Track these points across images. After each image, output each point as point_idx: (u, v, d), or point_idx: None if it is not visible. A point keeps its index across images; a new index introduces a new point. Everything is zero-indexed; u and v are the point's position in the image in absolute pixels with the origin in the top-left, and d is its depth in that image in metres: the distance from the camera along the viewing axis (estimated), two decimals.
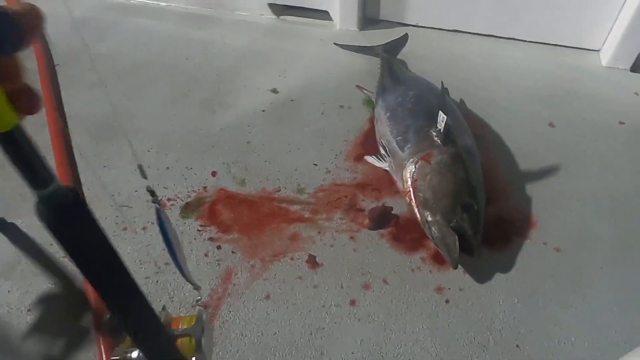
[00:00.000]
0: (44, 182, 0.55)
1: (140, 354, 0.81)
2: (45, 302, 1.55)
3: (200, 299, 1.05)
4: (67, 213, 0.57)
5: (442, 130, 1.74)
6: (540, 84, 2.47)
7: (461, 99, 2.35)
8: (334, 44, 2.67)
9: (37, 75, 2.36)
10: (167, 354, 0.79)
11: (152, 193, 0.85)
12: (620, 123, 2.26)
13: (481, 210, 1.69)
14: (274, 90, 2.38)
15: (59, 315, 1.54)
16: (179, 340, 0.89)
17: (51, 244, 1.72)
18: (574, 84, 2.48)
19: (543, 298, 1.63)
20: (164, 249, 0.88)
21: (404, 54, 2.59)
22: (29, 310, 1.53)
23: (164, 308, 0.99)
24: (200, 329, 0.90)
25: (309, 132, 2.16)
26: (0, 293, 1.57)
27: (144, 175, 0.84)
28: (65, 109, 2.22)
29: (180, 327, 0.92)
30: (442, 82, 1.91)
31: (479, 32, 2.75)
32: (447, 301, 1.61)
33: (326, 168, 2.00)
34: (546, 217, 1.86)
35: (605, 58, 2.58)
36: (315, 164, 2.02)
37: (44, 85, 2.30)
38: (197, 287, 1.03)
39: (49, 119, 2.13)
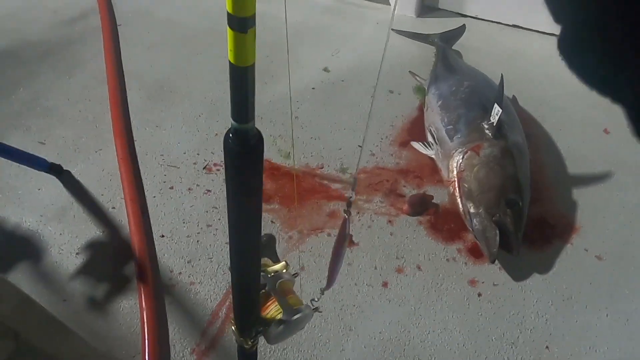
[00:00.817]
0: (245, 119, 0.63)
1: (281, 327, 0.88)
2: (93, 248, 1.63)
3: (317, 300, 1.03)
4: (252, 148, 0.65)
5: (494, 124, 1.72)
6: None
7: (514, 96, 2.30)
8: (391, 29, 2.65)
9: (100, 33, 2.45)
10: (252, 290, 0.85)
11: (348, 204, 0.88)
12: None
13: (525, 209, 1.67)
14: (326, 69, 2.39)
15: (105, 261, 1.61)
16: (270, 304, 0.91)
17: (102, 195, 1.80)
18: None
19: (578, 304, 1.61)
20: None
21: (460, 45, 2.54)
22: (77, 253, 1.62)
23: (296, 274, 1.01)
24: (292, 315, 0.90)
25: (356, 114, 2.17)
26: (53, 235, 1.66)
27: (353, 188, 0.88)
28: (124, 67, 2.31)
29: (285, 297, 0.93)
30: (502, 74, 1.87)
31: (540, 30, 2.67)
32: (479, 294, 1.61)
33: (370, 151, 2.01)
34: (590, 224, 1.82)
35: None
36: (360, 146, 2.03)
37: (106, 43, 2.38)
38: (322, 293, 1.03)
39: (108, 74, 2.22)
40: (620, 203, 1.90)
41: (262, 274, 0.95)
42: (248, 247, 0.78)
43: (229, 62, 0.58)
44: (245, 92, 0.61)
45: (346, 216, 0.88)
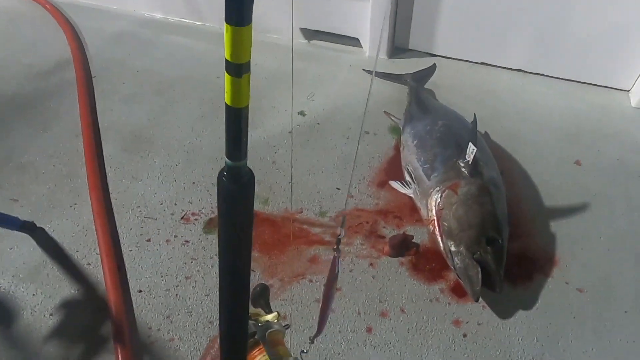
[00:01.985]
0: (239, 157, 0.66)
1: None
2: (68, 307, 1.58)
3: (306, 351, 1.05)
4: (245, 185, 0.68)
5: (470, 162, 1.75)
6: (567, 121, 2.46)
7: (486, 132, 2.35)
8: (363, 70, 2.71)
9: (75, 86, 2.46)
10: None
11: (338, 242, 0.89)
12: None
13: (505, 245, 1.68)
14: (302, 113, 2.42)
15: (80, 321, 1.56)
16: (257, 352, 0.90)
17: (77, 251, 1.76)
18: (602, 123, 2.46)
19: (563, 339, 1.60)
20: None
21: (432, 83, 2.61)
22: (51, 314, 1.56)
23: (287, 326, 1.03)
24: None
25: (333, 156, 2.19)
26: (26, 295, 1.61)
27: (342, 225, 0.90)
28: (100, 119, 2.30)
29: (274, 348, 0.92)
30: (474, 114, 1.92)
31: (508, 67, 2.76)
32: (464, 335, 1.59)
33: (349, 193, 2.01)
34: (569, 256, 1.83)
35: (635, 98, 2.56)
36: (338, 188, 2.04)
37: (80, 96, 2.38)
38: (311, 341, 1.03)
39: (83, 127, 2.21)
40: (597, 234, 1.92)
41: (252, 321, 0.93)
42: (238, 286, 0.78)
43: (225, 104, 0.61)
44: (239, 132, 0.64)
45: (336, 254, 0.88)
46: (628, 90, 2.63)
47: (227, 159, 0.66)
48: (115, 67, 2.64)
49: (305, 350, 0.98)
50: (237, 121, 0.63)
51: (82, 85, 2.43)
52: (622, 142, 2.35)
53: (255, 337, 0.91)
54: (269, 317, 0.98)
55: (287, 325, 1.01)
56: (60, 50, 2.70)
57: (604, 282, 1.76)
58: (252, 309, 0.96)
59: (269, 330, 0.94)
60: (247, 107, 0.62)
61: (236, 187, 0.67)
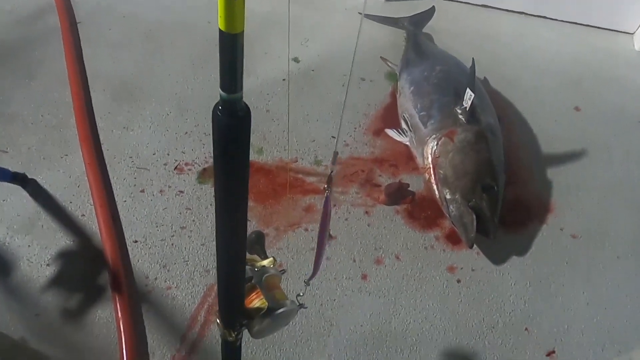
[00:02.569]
0: (234, 89, 0.61)
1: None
2: (64, 258, 1.59)
3: (302, 294, 1.02)
4: (241, 120, 0.64)
5: (467, 109, 1.71)
6: (568, 66, 2.40)
7: (485, 77, 2.29)
8: (359, 13, 2.60)
9: (59, 32, 2.36)
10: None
11: (329, 180, 0.85)
12: None
13: (501, 193, 1.67)
14: (296, 59, 2.34)
15: (77, 271, 1.57)
16: (255, 296, 0.90)
17: (70, 202, 1.75)
18: (604, 67, 2.40)
19: (556, 283, 1.63)
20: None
21: (430, 27, 2.51)
22: (48, 264, 1.57)
23: (283, 271, 1.01)
24: (277, 308, 0.89)
25: (328, 104, 2.14)
26: (21, 247, 1.60)
27: (334, 162, 0.87)
28: (87, 67, 2.22)
29: (271, 291, 0.92)
30: (472, 59, 1.85)
31: (510, 9, 2.66)
32: (458, 280, 1.61)
33: (344, 141, 1.98)
34: (565, 203, 1.84)
35: (638, 41, 2.49)
36: (334, 136, 2.00)
37: (66, 43, 2.29)
38: (307, 283, 1.02)
39: (70, 76, 2.13)
40: (594, 180, 1.92)
41: (249, 266, 0.93)
42: (235, 228, 0.77)
43: (219, 29, 0.57)
44: (235, 61, 0.59)
45: (327, 193, 0.87)
46: (632, 33, 2.55)
47: (221, 91, 0.62)
48: (101, 12, 2.53)
49: (301, 294, 0.99)
50: (232, 49, 0.58)
51: (66, 32, 2.33)
52: (623, 88, 2.31)
53: (252, 281, 0.92)
54: (265, 262, 0.98)
55: (282, 270, 1.01)
56: None
57: (598, 228, 1.77)
58: (248, 255, 0.96)
59: (265, 275, 0.94)
60: (242, 34, 0.58)
61: (232, 121, 0.63)
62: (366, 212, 1.77)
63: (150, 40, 2.40)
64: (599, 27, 2.59)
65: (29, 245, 1.62)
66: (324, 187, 0.87)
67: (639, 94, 2.28)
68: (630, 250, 1.71)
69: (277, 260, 1.58)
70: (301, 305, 0.96)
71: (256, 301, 0.91)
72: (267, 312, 0.88)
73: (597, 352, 1.48)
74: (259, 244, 1.04)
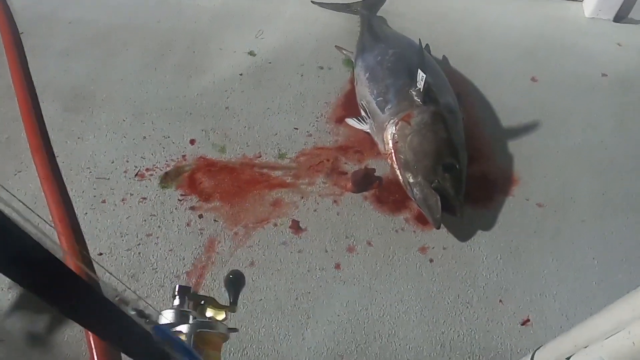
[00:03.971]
0: None
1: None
2: None
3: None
4: None
5: (421, 90, 1.71)
6: (522, 38, 2.43)
7: (444, 56, 2.30)
8: (312, 2, 2.57)
9: (1, 45, 2.26)
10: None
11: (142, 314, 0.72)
12: (603, 75, 2.24)
13: (463, 170, 1.68)
14: (251, 53, 2.30)
15: None
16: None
17: (27, 220, 1.68)
18: (556, 36, 2.44)
19: (526, 253, 1.65)
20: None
21: (384, 10, 2.50)
22: (9, 288, 1.51)
23: (233, 329, 0.91)
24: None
25: (288, 95, 2.11)
26: None
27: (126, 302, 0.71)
28: (34, 79, 2.14)
29: (200, 348, 0.82)
30: (419, 39, 1.85)
31: None
32: (431, 260, 1.62)
33: (307, 132, 1.96)
34: (528, 174, 1.86)
35: (588, 9, 2.53)
36: (296, 128, 1.98)
37: (9, 54, 2.19)
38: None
39: (16, 90, 2.05)
40: (554, 149, 1.95)
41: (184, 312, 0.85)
42: None
43: None
44: None
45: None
46: (581, 1, 2.60)
47: None
48: (44, 20, 2.43)
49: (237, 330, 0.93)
50: None
51: (9, 43, 2.23)
52: (577, 55, 2.35)
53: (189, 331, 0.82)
54: (214, 314, 0.89)
55: (233, 328, 0.91)
56: None
57: (562, 195, 1.80)
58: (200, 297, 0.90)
59: (203, 330, 0.83)
60: None
61: None
62: (334, 202, 1.76)
63: (99, 45, 2.32)
64: None
65: None
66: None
67: (592, 60, 2.32)
68: (594, 214, 1.75)
69: (245, 261, 1.56)
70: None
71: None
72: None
73: (570, 316, 1.52)
74: (234, 286, 0.97)
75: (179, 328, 0.82)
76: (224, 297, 1.50)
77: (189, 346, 0.76)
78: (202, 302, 0.90)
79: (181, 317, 0.84)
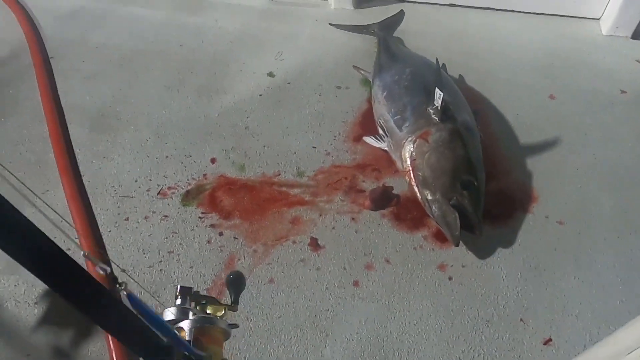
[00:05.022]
0: None
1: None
2: (52, 294, 1.57)
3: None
4: None
5: (439, 107, 1.73)
6: (539, 55, 2.44)
7: (460, 75, 2.32)
8: (330, 24, 2.63)
9: (32, 69, 2.36)
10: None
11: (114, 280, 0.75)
12: (622, 92, 2.23)
13: (481, 187, 1.68)
14: (270, 74, 2.35)
15: (66, 307, 1.55)
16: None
17: (54, 237, 1.73)
18: (574, 54, 2.44)
19: (546, 271, 1.63)
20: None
21: (400, 31, 2.54)
22: (36, 303, 1.55)
23: (234, 325, 0.94)
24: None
25: (307, 115, 2.15)
26: (7, 287, 1.59)
27: (94, 262, 0.74)
28: (62, 101, 2.22)
29: (199, 344, 0.85)
30: (436, 58, 1.88)
31: (477, 5, 2.70)
32: (450, 278, 1.62)
33: (325, 150, 1.99)
34: (547, 191, 1.85)
35: (605, 26, 2.53)
36: (314, 147, 2.01)
37: (40, 79, 2.29)
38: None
39: (45, 112, 2.13)
40: (573, 165, 1.94)
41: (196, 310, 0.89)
42: None
43: None
44: None
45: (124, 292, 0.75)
46: (598, 19, 2.60)
47: None
48: (72, 46, 2.53)
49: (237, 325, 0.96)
50: None
51: (40, 68, 2.33)
52: (594, 72, 2.34)
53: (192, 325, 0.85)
54: (215, 311, 0.91)
55: (234, 324, 0.94)
56: (13, 33, 2.57)
57: (583, 212, 1.78)
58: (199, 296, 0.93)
59: (207, 324, 0.87)
60: None
61: None
62: (353, 219, 1.77)
63: (124, 68, 2.40)
64: (565, 16, 2.63)
65: (15, 285, 1.60)
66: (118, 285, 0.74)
67: (610, 76, 2.31)
68: (615, 231, 1.73)
69: (264, 277, 1.58)
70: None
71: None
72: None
73: (593, 335, 1.49)
74: (234, 286, 1.00)
75: (180, 324, 0.86)
76: (243, 315, 1.52)
77: (163, 320, 0.79)
78: (204, 302, 0.93)
79: (182, 314, 0.88)
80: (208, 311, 0.92)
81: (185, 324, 0.86)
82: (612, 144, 2.01)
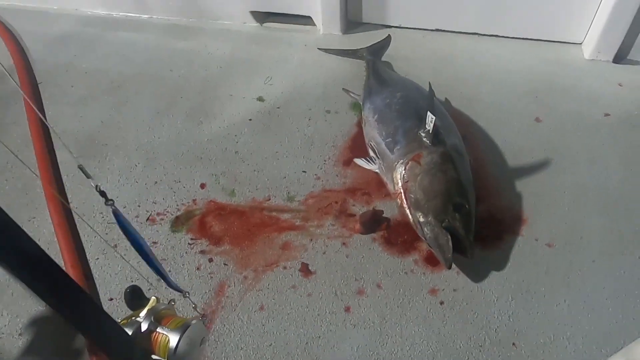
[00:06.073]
0: None
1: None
2: (37, 325, 1.53)
3: (195, 306, 1.11)
4: None
5: (430, 131, 1.75)
6: (524, 79, 2.48)
7: (446, 98, 2.35)
8: (318, 48, 2.67)
9: (20, 94, 2.35)
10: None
11: (102, 194, 0.87)
12: (606, 115, 2.28)
13: (472, 210, 1.69)
14: (260, 99, 2.37)
15: (51, 337, 1.51)
16: (156, 337, 0.92)
17: None
18: (558, 78, 2.49)
19: (537, 294, 1.63)
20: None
21: (388, 55, 2.59)
22: (20, 334, 1.51)
23: (171, 301, 1.06)
24: (180, 334, 0.92)
25: (296, 139, 2.16)
26: None
27: (87, 175, 0.84)
28: (51, 126, 2.21)
29: (166, 325, 0.94)
30: (429, 82, 1.91)
31: (462, 31, 2.75)
32: (441, 302, 1.61)
33: (315, 174, 2.00)
34: (536, 213, 1.86)
35: (587, 51, 2.59)
36: (304, 171, 2.01)
37: (27, 104, 2.28)
38: (183, 293, 1.06)
39: (33, 138, 2.12)
40: (561, 188, 1.96)
41: (138, 319, 0.96)
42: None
43: None
44: None
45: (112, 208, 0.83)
46: (580, 43, 2.67)
47: None
48: (61, 71, 2.54)
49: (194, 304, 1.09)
50: None
51: (27, 93, 2.32)
52: (578, 95, 2.39)
53: (146, 328, 0.93)
54: (148, 306, 1.00)
55: (171, 300, 1.07)
56: (1, 58, 2.57)
57: (572, 234, 1.80)
58: (130, 313, 0.98)
59: (154, 315, 0.97)
60: None
61: None
62: (343, 244, 1.76)
63: (113, 93, 2.41)
64: (549, 41, 2.69)
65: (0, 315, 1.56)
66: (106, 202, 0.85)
67: (595, 100, 2.36)
68: (604, 253, 1.74)
69: (254, 304, 1.57)
70: (203, 316, 1.03)
71: (159, 342, 0.92)
72: (173, 344, 0.92)
73: (585, 358, 1.48)
74: (136, 297, 1.05)
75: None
76: (234, 344, 1.49)
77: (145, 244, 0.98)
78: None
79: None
80: (144, 314, 0.99)
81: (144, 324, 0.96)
82: (598, 166, 2.04)
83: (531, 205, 1.89)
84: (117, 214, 0.84)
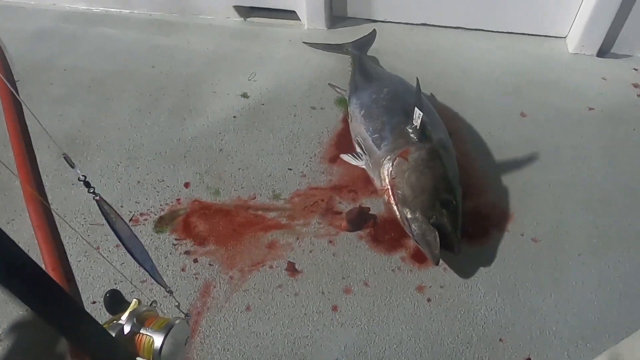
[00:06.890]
0: None
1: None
2: (18, 330, 1.49)
3: (178, 304, 1.09)
4: None
5: (418, 127, 1.74)
6: (509, 74, 2.48)
7: (432, 93, 2.34)
8: (304, 42, 2.64)
9: None
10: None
11: (87, 184, 0.85)
12: (590, 109, 2.29)
13: (459, 206, 1.69)
14: (244, 95, 2.34)
15: (33, 343, 1.48)
16: (140, 339, 0.91)
17: None
18: (542, 72, 2.50)
19: (523, 289, 1.64)
20: (139, 267, 0.93)
21: (374, 50, 2.57)
22: (0, 340, 1.48)
23: (153, 303, 1.03)
24: (164, 334, 0.91)
25: (282, 136, 2.13)
26: None
27: (71, 165, 0.81)
28: (30, 126, 2.15)
29: (150, 326, 0.93)
30: (417, 78, 1.89)
31: (447, 25, 2.75)
32: (428, 300, 1.61)
33: (301, 172, 1.98)
34: (522, 209, 1.87)
35: (571, 45, 2.60)
36: (290, 169, 1.99)
37: (5, 103, 2.22)
38: (167, 288, 1.04)
39: (11, 138, 2.06)
40: (547, 183, 1.96)
41: (120, 322, 0.94)
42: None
43: None
44: None
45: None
46: (564, 37, 2.67)
47: None
48: (40, 68, 2.47)
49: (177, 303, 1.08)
50: None
51: (4, 91, 2.26)
52: (563, 89, 2.40)
53: (129, 331, 0.92)
54: (130, 308, 0.98)
55: (153, 301, 1.04)
56: None
57: (557, 229, 1.81)
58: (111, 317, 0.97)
59: (136, 318, 0.95)
60: None
61: None
62: (330, 242, 1.75)
63: (94, 91, 2.36)
64: (533, 35, 2.70)
65: None
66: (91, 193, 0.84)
67: (579, 95, 2.37)
68: (589, 248, 1.75)
69: (240, 304, 1.55)
70: (187, 315, 1.00)
71: (143, 343, 0.91)
72: (157, 344, 0.90)
73: (571, 352, 1.49)
74: (117, 302, 1.03)
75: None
76: (220, 345, 1.48)
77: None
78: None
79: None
80: (125, 317, 0.95)
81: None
82: (583, 161, 2.05)
83: (517, 200, 1.89)
84: (101, 205, 0.83)
